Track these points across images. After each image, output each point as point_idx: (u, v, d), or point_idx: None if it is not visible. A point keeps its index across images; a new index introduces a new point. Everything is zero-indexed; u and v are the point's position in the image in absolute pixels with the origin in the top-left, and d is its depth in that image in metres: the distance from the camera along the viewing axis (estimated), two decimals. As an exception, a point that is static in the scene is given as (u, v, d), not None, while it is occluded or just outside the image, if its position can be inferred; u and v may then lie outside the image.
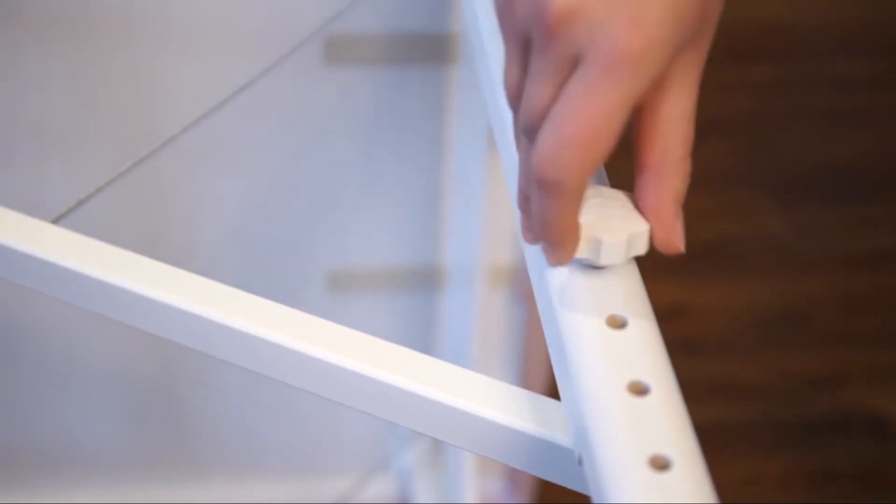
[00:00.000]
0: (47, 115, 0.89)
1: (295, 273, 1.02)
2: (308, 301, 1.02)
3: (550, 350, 0.44)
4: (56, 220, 0.52)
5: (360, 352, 0.45)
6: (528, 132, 0.42)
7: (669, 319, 1.48)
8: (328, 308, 1.03)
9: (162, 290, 0.48)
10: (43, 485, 1.12)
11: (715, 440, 1.26)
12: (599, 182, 0.47)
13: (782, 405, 1.42)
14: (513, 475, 1.16)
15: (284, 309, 0.47)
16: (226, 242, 0.99)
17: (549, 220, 0.41)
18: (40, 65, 0.86)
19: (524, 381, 1.09)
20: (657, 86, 0.42)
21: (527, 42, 0.42)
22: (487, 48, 0.55)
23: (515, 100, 0.43)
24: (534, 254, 0.46)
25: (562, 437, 0.42)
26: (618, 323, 0.42)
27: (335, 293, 1.02)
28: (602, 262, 0.43)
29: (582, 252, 0.43)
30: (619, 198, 0.44)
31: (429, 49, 0.89)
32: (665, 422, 0.38)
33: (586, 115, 0.39)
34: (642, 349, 0.41)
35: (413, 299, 1.04)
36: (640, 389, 0.39)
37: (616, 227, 0.43)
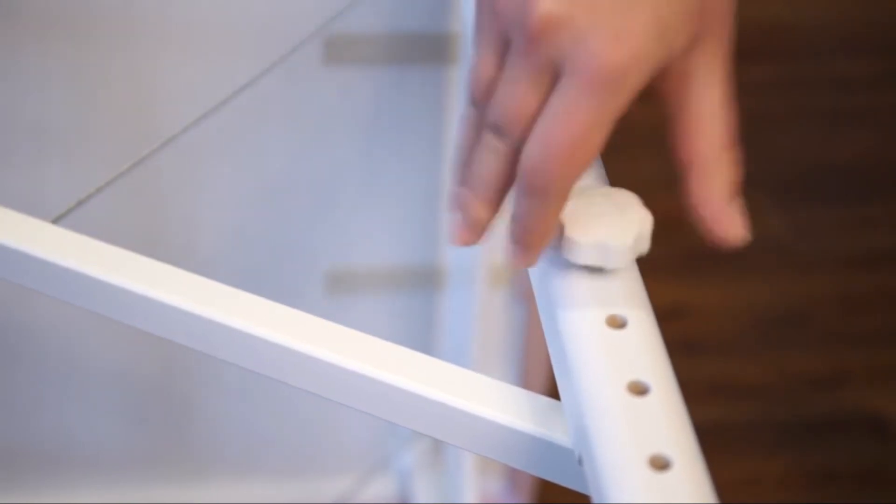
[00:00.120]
0: (47, 115, 0.88)
1: (295, 273, 1.02)
2: (308, 301, 1.02)
3: (550, 350, 0.44)
4: (56, 220, 0.52)
5: (360, 352, 0.45)
6: (496, 130, 0.42)
7: (669, 319, 1.48)
8: (328, 308, 1.03)
9: (162, 290, 0.48)
10: (43, 485, 1.11)
11: (715, 440, 1.26)
12: (599, 182, 0.47)
13: (782, 405, 1.42)
14: (513, 475, 1.16)
15: (284, 309, 0.47)
16: (226, 242, 0.99)
17: (530, 224, 0.42)
18: (40, 65, 0.86)
19: (524, 381, 1.09)
20: (681, 83, 0.42)
21: (505, 42, 0.42)
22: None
23: (483, 94, 0.43)
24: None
25: (562, 437, 0.42)
26: (618, 323, 0.42)
27: (335, 293, 1.02)
28: (607, 266, 0.43)
29: (586, 257, 0.43)
30: (619, 197, 0.44)
31: (429, 49, 0.89)
32: (665, 422, 0.38)
33: (569, 128, 0.39)
34: (642, 349, 0.41)
35: (413, 299, 1.04)
36: (640, 389, 0.39)
37: (618, 229, 0.43)
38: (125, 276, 0.48)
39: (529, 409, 0.43)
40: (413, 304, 1.05)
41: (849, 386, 1.45)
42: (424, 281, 1.03)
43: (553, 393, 0.44)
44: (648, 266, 0.45)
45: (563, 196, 0.41)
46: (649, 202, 0.45)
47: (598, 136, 0.40)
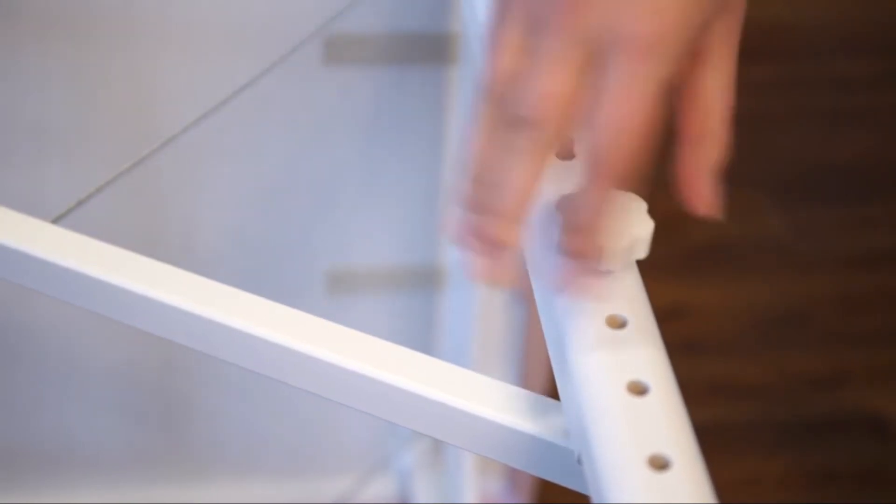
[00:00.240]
0: (47, 115, 0.88)
1: (295, 273, 1.02)
2: (308, 301, 1.02)
3: (550, 350, 0.44)
4: (56, 220, 0.52)
5: (360, 352, 0.45)
6: (524, 124, 0.39)
7: (669, 319, 1.48)
8: (328, 308, 1.03)
9: (162, 290, 0.48)
10: (43, 485, 1.12)
11: (715, 440, 1.26)
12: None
13: (782, 405, 1.42)
14: (513, 475, 1.16)
15: (284, 309, 0.47)
16: (226, 242, 0.99)
17: (596, 219, 0.41)
18: (40, 65, 0.86)
19: (524, 381, 1.09)
20: (694, 59, 0.42)
21: (527, 25, 0.40)
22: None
23: (504, 87, 0.40)
24: (534, 254, 0.46)
25: (561, 437, 0.42)
26: (618, 323, 0.42)
27: (335, 293, 1.02)
28: (600, 268, 0.43)
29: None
30: (623, 200, 0.44)
31: (429, 49, 0.89)
32: (664, 422, 0.38)
33: (635, 102, 0.38)
34: (642, 349, 0.41)
35: (413, 299, 1.04)
36: (639, 389, 0.39)
37: (615, 232, 0.43)
38: (125, 276, 0.48)
39: (529, 409, 0.43)
40: (413, 304, 1.05)
41: (849, 386, 1.45)
42: (424, 281, 1.03)
43: (553, 393, 0.44)
44: (648, 266, 0.45)
45: (628, 173, 0.40)
46: (649, 202, 0.45)
47: (650, 106, 0.39)
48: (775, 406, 1.42)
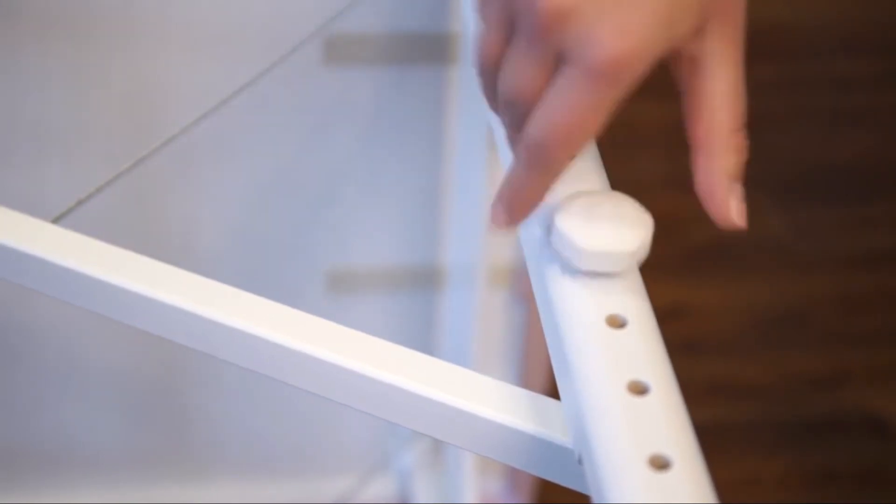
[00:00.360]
0: (47, 115, 0.88)
1: (295, 273, 1.02)
2: (308, 301, 1.02)
3: (550, 350, 0.44)
4: (56, 220, 0.52)
5: (360, 352, 0.45)
6: (507, 105, 0.44)
7: (669, 319, 1.48)
8: (328, 308, 1.03)
9: (162, 290, 0.48)
10: (43, 485, 1.12)
11: (715, 440, 1.26)
12: (602, 187, 0.47)
13: (782, 405, 1.42)
14: (513, 475, 1.16)
15: (284, 309, 0.47)
16: (226, 242, 0.99)
17: (522, 192, 0.44)
18: (40, 65, 0.86)
19: (524, 381, 1.09)
20: (692, 67, 0.44)
21: (511, 24, 0.43)
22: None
23: (490, 66, 0.45)
24: (534, 254, 0.46)
25: (562, 437, 0.42)
26: (618, 323, 0.42)
27: (335, 293, 1.02)
28: (612, 270, 0.43)
29: (593, 264, 0.43)
30: (619, 202, 0.44)
31: (429, 49, 0.89)
32: (665, 421, 0.38)
33: (569, 112, 0.41)
34: (642, 349, 0.41)
35: (413, 299, 1.04)
36: (639, 389, 0.39)
37: (623, 235, 0.43)
38: (125, 276, 0.48)
39: (529, 409, 0.43)
40: (413, 304, 1.05)
41: (849, 386, 1.45)
42: (424, 281, 1.03)
43: (553, 393, 0.44)
44: (648, 266, 0.45)
45: (557, 172, 0.43)
46: (649, 202, 0.45)
47: (596, 121, 0.41)
48: (775, 406, 1.42)
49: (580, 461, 0.41)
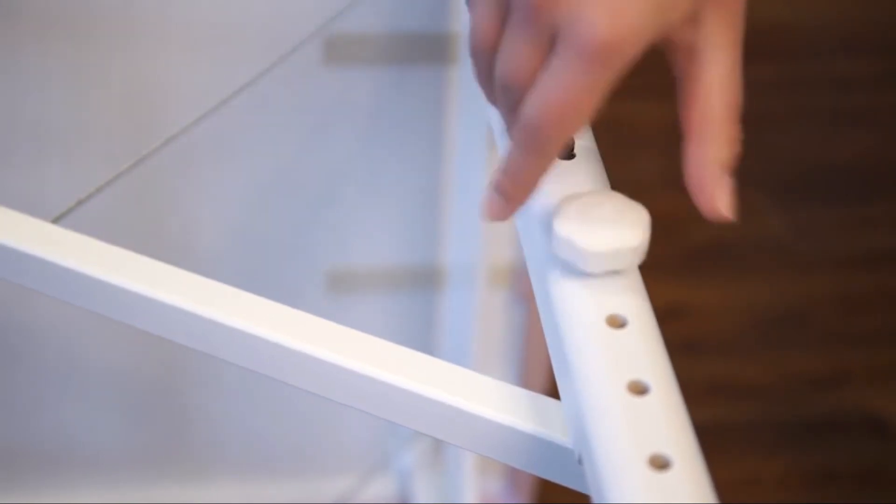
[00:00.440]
0: (47, 115, 0.88)
1: (295, 273, 1.02)
2: (308, 301, 1.02)
3: (550, 350, 0.44)
4: (56, 220, 0.52)
5: (360, 352, 0.45)
6: (504, 89, 0.44)
7: (669, 319, 1.48)
8: (328, 308, 1.03)
9: (162, 290, 0.48)
10: (43, 485, 1.12)
11: (715, 440, 1.26)
12: (601, 187, 0.47)
13: (782, 405, 1.42)
14: (513, 475, 1.16)
15: (284, 309, 0.47)
16: (226, 242, 0.99)
17: (517, 177, 0.44)
18: (40, 65, 0.86)
19: (524, 381, 1.09)
20: (688, 53, 0.43)
21: (505, 7, 0.43)
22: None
23: (484, 52, 0.45)
24: (534, 254, 0.46)
25: (562, 437, 0.42)
26: (618, 323, 0.42)
27: (335, 293, 1.02)
28: (617, 269, 0.43)
29: (581, 261, 0.43)
30: (616, 202, 0.44)
31: (429, 49, 0.89)
32: (665, 421, 0.38)
33: (563, 94, 0.41)
34: (642, 349, 0.41)
35: (413, 299, 1.04)
36: (639, 389, 0.39)
37: (615, 234, 0.43)
38: (125, 276, 0.48)
39: (529, 409, 0.43)
40: (413, 304, 1.05)
41: (849, 386, 1.45)
42: (424, 281, 1.03)
43: (553, 393, 0.44)
44: (648, 266, 0.45)
45: (551, 155, 0.43)
46: (649, 202, 0.45)
47: (590, 102, 0.41)
48: (775, 406, 1.42)
49: (580, 461, 0.41)
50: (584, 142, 0.48)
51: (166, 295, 0.48)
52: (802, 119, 1.83)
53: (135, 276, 0.48)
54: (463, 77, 0.90)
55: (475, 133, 0.89)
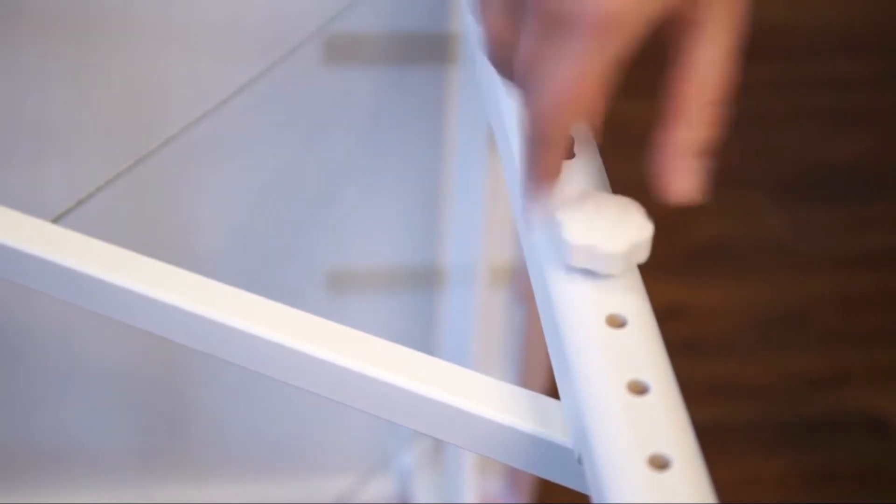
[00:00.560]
0: (47, 115, 0.89)
1: (295, 273, 1.02)
2: (308, 301, 1.02)
3: (550, 350, 0.44)
4: (56, 220, 0.52)
5: (360, 352, 0.45)
6: (521, 83, 0.43)
7: (669, 319, 1.48)
8: (328, 308, 1.03)
9: (162, 290, 0.48)
10: (43, 485, 1.11)
11: (715, 440, 1.26)
12: (601, 188, 0.47)
13: (782, 405, 1.42)
14: (513, 475, 1.16)
15: (284, 309, 0.47)
16: (226, 242, 0.99)
17: (536, 171, 0.44)
18: (40, 65, 0.86)
19: (524, 381, 1.09)
20: (686, 31, 0.42)
21: (516, 6, 0.43)
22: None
23: (503, 54, 0.44)
24: (534, 254, 0.46)
25: (561, 437, 0.42)
26: (618, 322, 0.42)
27: (335, 293, 1.02)
28: (599, 271, 0.43)
29: (578, 260, 0.43)
30: (622, 205, 0.44)
31: (429, 49, 0.89)
32: (664, 421, 0.38)
33: (563, 75, 0.41)
34: (642, 349, 0.41)
35: (413, 299, 1.04)
36: (639, 389, 0.39)
37: (613, 236, 0.43)
38: (125, 276, 0.48)
39: (529, 408, 0.43)
40: (413, 304, 1.05)
41: (849, 386, 1.45)
42: (424, 281, 1.03)
43: (553, 393, 0.44)
44: (648, 266, 0.45)
45: (561, 141, 0.43)
46: (649, 202, 0.45)
47: (594, 82, 0.40)
48: (775, 406, 1.42)
49: (580, 461, 0.41)
50: (585, 142, 0.48)
51: (166, 295, 0.48)
52: (802, 119, 1.83)
53: (135, 276, 0.48)
54: (463, 77, 0.90)
55: (475, 133, 0.89)
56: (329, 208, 0.98)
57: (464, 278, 0.99)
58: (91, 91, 0.87)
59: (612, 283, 0.43)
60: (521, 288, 1.03)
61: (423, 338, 1.07)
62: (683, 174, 0.43)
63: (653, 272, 0.48)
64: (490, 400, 0.44)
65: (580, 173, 0.47)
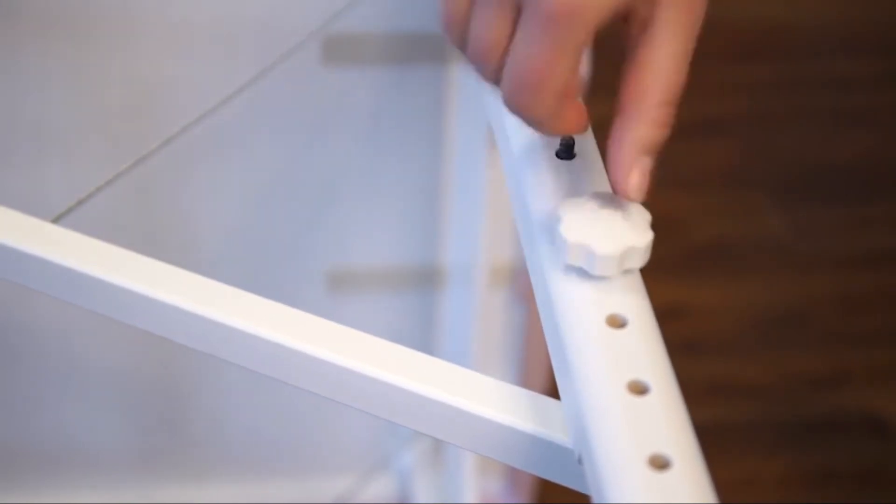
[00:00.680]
0: (47, 115, 0.89)
1: (295, 273, 1.02)
2: (308, 301, 1.02)
3: (550, 350, 0.44)
4: (56, 220, 0.52)
5: (360, 352, 0.45)
6: (477, 63, 0.44)
7: (669, 319, 1.48)
8: (328, 308, 1.03)
9: (162, 290, 0.48)
10: (43, 485, 1.12)
11: (715, 440, 1.26)
12: (602, 188, 0.47)
13: (782, 405, 1.42)
14: (513, 475, 1.16)
15: (284, 309, 0.47)
16: (226, 242, 0.99)
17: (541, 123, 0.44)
18: (40, 65, 0.86)
19: (524, 381, 1.09)
20: (641, 29, 0.43)
21: None
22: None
23: (455, 27, 0.45)
24: (534, 254, 0.46)
25: (562, 437, 0.42)
26: (618, 323, 0.42)
27: (335, 293, 1.02)
28: (593, 272, 0.43)
29: (573, 258, 0.43)
30: (620, 205, 0.44)
31: (429, 49, 0.89)
32: (665, 421, 0.38)
33: (531, 62, 0.41)
34: (642, 349, 0.41)
35: (413, 299, 1.04)
36: (639, 389, 0.39)
37: (609, 238, 0.43)
38: (125, 276, 0.48)
39: (529, 408, 0.43)
40: (413, 304, 1.05)
41: (849, 386, 1.45)
42: (424, 281, 1.03)
43: (553, 393, 0.44)
44: (648, 266, 0.45)
45: (545, 114, 0.43)
46: (649, 202, 0.45)
47: (562, 67, 0.41)
48: (775, 406, 1.42)
49: (580, 461, 0.41)
50: (585, 142, 0.48)
51: (166, 295, 0.48)
52: (802, 119, 1.83)
53: (135, 276, 0.48)
54: (463, 77, 0.90)
55: (475, 133, 0.89)
56: (329, 208, 0.98)
57: (464, 278, 0.99)
58: (91, 91, 0.87)
59: (613, 284, 0.43)
60: (521, 288, 1.03)
61: (423, 338, 1.07)
62: (632, 170, 0.43)
63: (653, 272, 0.48)
64: (490, 400, 0.44)
65: (581, 174, 0.47)
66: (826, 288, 1.57)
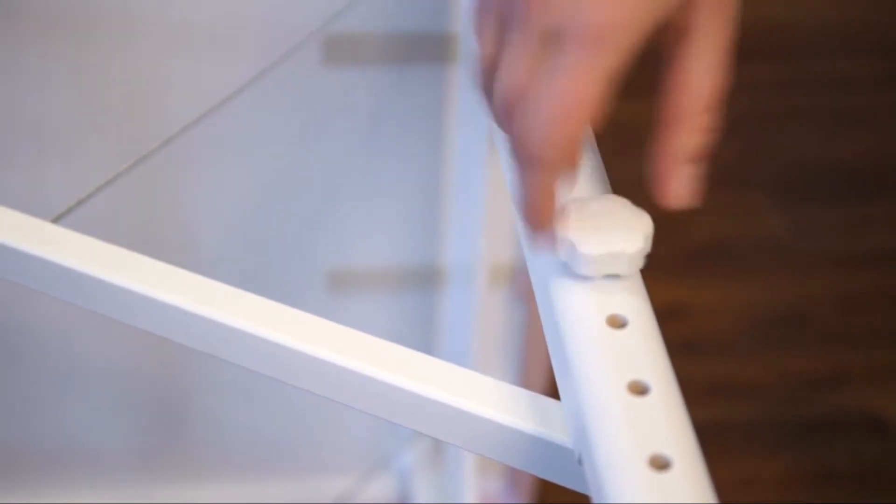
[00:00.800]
0: (47, 115, 0.89)
1: (295, 273, 1.02)
2: (308, 301, 1.02)
3: (550, 350, 0.44)
4: (56, 220, 0.52)
5: (360, 352, 0.45)
6: (506, 108, 0.42)
7: (669, 319, 1.48)
8: (328, 308, 1.03)
9: (162, 290, 0.48)
10: (43, 485, 1.12)
11: (715, 440, 1.26)
12: (602, 189, 0.47)
13: (782, 405, 1.42)
14: (513, 475, 1.16)
15: (284, 309, 0.47)
16: (226, 242, 0.99)
17: (534, 198, 0.42)
18: (40, 65, 0.86)
19: (524, 381, 1.09)
20: (677, 38, 0.42)
21: (504, 21, 0.42)
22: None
23: (489, 77, 0.43)
24: (534, 254, 0.46)
25: (562, 437, 0.42)
26: (618, 323, 0.42)
27: (335, 293, 1.02)
28: (621, 273, 0.43)
29: (600, 269, 0.43)
30: (616, 205, 0.44)
31: (429, 49, 0.89)
32: (665, 421, 0.38)
33: (554, 92, 0.39)
34: (642, 349, 0.41)
35: (413, 299, 1.04)
36: (640, 389, 0.39)
37: (617, 239, 0.43)
38: (125, 276, 0.48)
39: (529, 409, 0.43)
40: (413, 304, 1.05)
41: (849, 386, 1.45)
42: (424, 281, 1.03)
43: (553, 393, 0.44)
44: (648, 266, 0.45)
45: (558, 163, 0.41)
46: (649, 202, 0.45)
47: (591, 97, 0.40)
48: (775, 406, 1.42)
49: (580, 461, 0.41)
50: (585, 143, 0.48)
51: (166, 295, 0.48)
52: (802, 119, 1.83)
53: (135, 276, 0.48)
54: (463, 77, 0.90)
55: (475, 133, 0.89)
56: (329, 208, 0.98)
57: (464, 278, 0.99)
58: (91, 91, 0.87)
59: (613, 284, 0.43)
60: (521, 288, 1.03)
61: (423, 338, 1.07)
62: (679, 179, 0.43)
63: (653, 272, 0.48)
64: (490, 400, 0.44)
65: (581, 175, 0.47)
66: (826, 288, 1.57)
